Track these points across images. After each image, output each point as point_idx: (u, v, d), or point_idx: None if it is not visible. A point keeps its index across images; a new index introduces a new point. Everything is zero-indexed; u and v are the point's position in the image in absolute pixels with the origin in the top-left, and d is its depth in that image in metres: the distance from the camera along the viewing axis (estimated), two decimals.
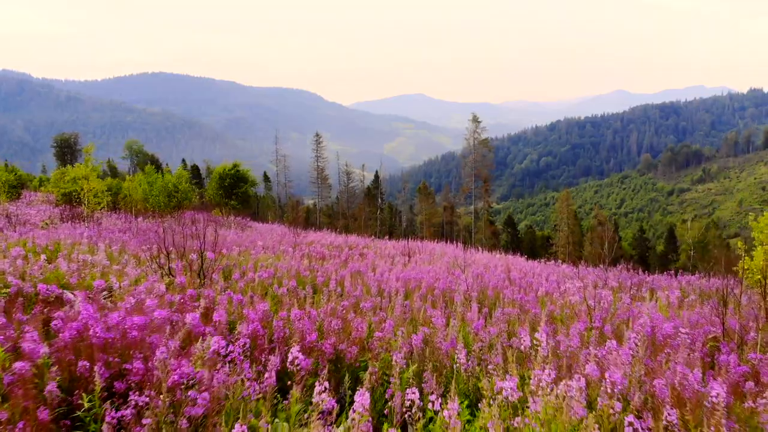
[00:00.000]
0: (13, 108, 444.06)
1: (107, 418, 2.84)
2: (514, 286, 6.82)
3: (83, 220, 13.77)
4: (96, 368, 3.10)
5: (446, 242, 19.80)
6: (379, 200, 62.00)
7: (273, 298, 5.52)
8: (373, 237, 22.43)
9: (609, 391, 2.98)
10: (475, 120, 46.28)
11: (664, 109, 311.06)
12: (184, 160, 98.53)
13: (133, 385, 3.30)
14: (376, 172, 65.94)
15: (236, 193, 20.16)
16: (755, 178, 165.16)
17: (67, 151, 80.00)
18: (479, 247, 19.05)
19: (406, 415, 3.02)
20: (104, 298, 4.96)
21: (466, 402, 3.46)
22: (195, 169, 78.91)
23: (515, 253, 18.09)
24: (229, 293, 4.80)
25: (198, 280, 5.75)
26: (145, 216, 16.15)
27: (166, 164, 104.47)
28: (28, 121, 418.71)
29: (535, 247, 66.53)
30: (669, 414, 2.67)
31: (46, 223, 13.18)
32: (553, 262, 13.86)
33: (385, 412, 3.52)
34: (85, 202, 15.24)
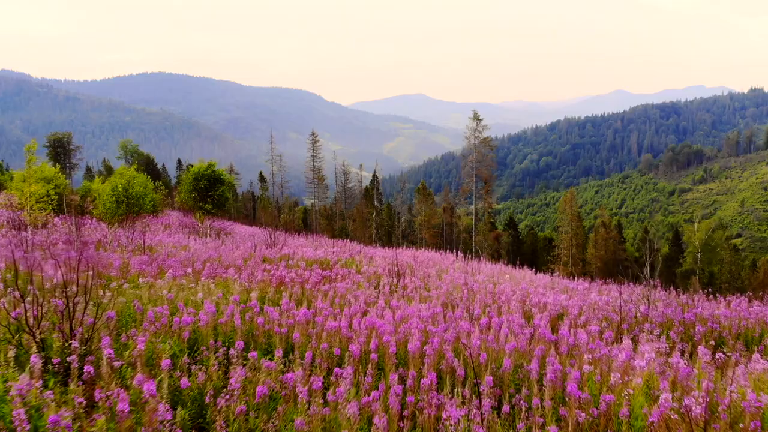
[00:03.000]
0: (12, 108, 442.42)
1: None
2: (540, 339, 5.03)
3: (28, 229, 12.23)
4: None
5: (446, 250, 18.19)
6: (376, 201, 60.45)
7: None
8: (363, 244, 20.88)
9: None
10: (476, 118, 44.61)
11: (664, 109, 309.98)
12: (179, 160, 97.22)
13: None
14: (374, 172, 64.45)
15: (212, 196, 18.52)
16: (757, 178, 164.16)
17: (60, 151, 78.85)
18: (481, 256, 17.47)
19: None
20: None
21: None
22: None
23: (521, 263, 16.50)
24: None
25: (64, 342, 4.07)
26: (111, 222, 14.47)
27: (162, 164, 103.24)
28: (27, 121, 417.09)
29: (537, 249, 65.08)
30: None
31: None
32: (573, 280, 12.20)
33: None
34: (27, 208, 13.65)
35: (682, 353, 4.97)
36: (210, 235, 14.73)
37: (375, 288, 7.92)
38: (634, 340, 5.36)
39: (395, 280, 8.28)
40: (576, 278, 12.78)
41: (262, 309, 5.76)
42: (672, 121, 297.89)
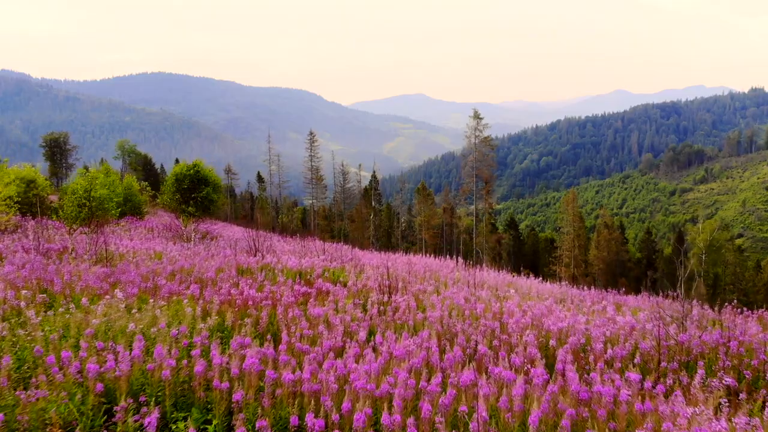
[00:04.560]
0: (12, 108, 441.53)
1: None
2: (567, 394, 3.85)
3: None
4: None
5: (445, 252, 17.33)
6: (374, 202, 59.58)
7: None
8: (361, 246, 19.99)
9: None
10: (477, 116, 43.63)
11: (665, 109, 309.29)
12: (177, 160, 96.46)
13: None
14: (373, 172, 63.65)
15: (195, 198, 17.43)
16: (758, 178, 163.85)
17: (56, 150, 78.11)
18: (483, 260, 16.61)
19: None
20: None
21: None
22: None
23: (523, 265, 15.66)
24: None
25: None
26: (72, 228, 13.26)
27: (161, 165, 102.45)
28: (27, 121, 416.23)
29: (538, 250, 64.28)
30: None
31: None
32: (582, 288, 11.29)
33: None
34: None
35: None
36: (193, 240, 13.79)
37: (362, 308, 6.98)
38: (678, 384, 4.37)
39: (386, 297, 7.32)
40: (583, 286, 11.89)
41: (205, 349, 4.64)
42: (672, 120, 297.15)
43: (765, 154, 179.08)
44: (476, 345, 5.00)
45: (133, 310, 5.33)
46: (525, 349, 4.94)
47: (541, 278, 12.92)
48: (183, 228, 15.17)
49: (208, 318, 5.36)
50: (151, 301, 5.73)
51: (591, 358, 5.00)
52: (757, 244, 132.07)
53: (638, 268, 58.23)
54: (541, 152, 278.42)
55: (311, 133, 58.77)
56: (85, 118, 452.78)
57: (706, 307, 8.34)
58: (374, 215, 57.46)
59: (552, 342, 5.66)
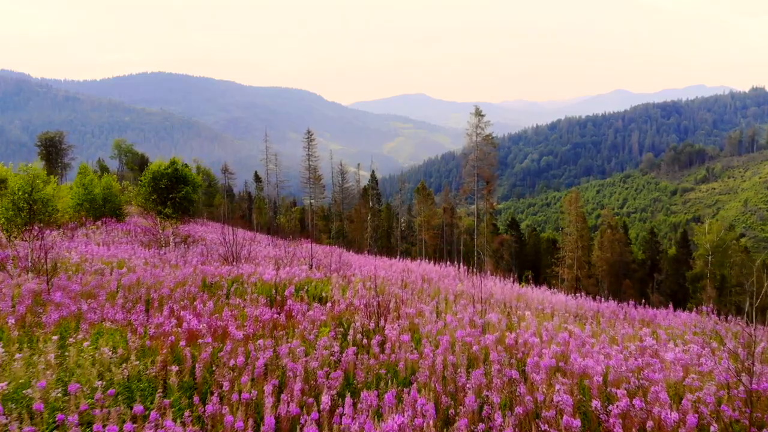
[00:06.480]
0: (12, 108, 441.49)
1: None
2: None
3: None
4: None
5: (446, 253, 16.24)
6: (373, 202, 58.49)
7: None
8: (358, 247, 18.92)
9: None
10: (478, 114, 42.46)
11: (665, 108, 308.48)
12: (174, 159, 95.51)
13: None
14: (372, 172, 62.69)
15: (173, 198, 16.23)
16: (760, 178, 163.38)
17: (52, 150, 77.14)
18: (485, 263, 15.55)
19: None
20: None
21: None
22: None
23: (525, 266, 14.57)
24: None
25: None
26: (11, 234, 11.92)
27: None
28: (27, 121, 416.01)
29: (540, 251, 63.24)
30: None
31: None
32: (596, 300, 10.21)
33: None
34: None
35: None
36: (171, 245, 12.63)
37: (342, 337, 5.67)
38: None
39: (372, 324, 6.08)
40: (600, 299, 10.80)
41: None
42: (673, 120, 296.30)
43: (766, 154, 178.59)
44: (490, 411, 3.85)
45: (17, 356, 4.05)
46: (559, 414, 3.71)
47: (553, 290, 11.81)
48: (160, 231, 13.96)
49: (126, 363, 4.13)
50: (55, 338, 4.43)
51: (649, 425, 3.83)
52: (759, 244, 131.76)
53: (642, 270, 57.16)
54: (542, 152, 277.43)
55: (309, 132, 57.70)
56: (85, 118, 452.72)
57: (749, 325, 7.26)
58: (373, 216, 56.41)
59: (595, 403, 4.18)
